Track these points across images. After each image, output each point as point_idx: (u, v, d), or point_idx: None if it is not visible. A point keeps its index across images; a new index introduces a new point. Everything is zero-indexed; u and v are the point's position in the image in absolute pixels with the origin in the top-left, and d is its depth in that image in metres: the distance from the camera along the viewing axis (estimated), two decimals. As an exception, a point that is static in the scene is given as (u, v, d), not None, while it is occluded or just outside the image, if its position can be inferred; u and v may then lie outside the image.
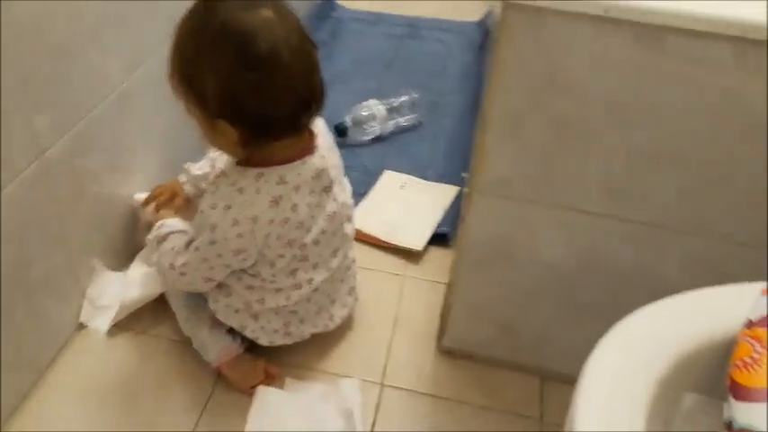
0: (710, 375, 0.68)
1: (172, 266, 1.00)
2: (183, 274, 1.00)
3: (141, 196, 1.23)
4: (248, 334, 1.07)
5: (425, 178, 1.55)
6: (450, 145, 1.67)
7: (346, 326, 1.21)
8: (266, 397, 1.07)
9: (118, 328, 1.18)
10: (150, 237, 1.08)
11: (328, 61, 1.90)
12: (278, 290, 1.03)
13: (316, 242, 1.01)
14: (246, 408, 1.06)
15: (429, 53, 2.04)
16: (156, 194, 1.20)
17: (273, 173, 0.92)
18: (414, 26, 2.17)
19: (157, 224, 1.09)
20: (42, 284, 1.05)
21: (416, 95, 1.72)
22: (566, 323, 1.08)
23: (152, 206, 1.19)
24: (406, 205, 1.47)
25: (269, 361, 1.12)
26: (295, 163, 0.94)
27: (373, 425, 1.07)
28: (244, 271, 1.01)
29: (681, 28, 0.76)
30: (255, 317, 1.06)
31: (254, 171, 0.93)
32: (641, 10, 0.76)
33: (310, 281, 1.04)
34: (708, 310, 0.72)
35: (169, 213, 1.15)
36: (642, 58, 0.80)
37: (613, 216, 0.94)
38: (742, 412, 0.57)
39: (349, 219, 1.08)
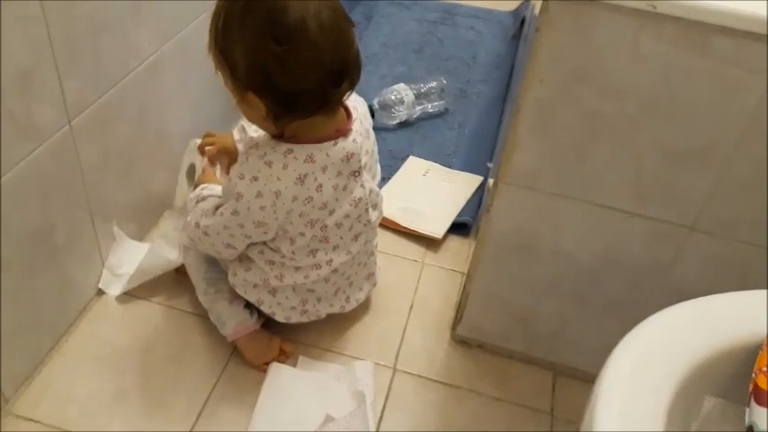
0: (732, 380, 0.67)
1: (197, 225, 1.01)
2: (205, 234, 1.00)
3: (197, 141, 1.23)
4: (265, 309, 1.08)
5: (449, 166, 1.55)
6: (475, 134, 1.65)
7: (362, 309, 1.21)
8: (279, 374, 1.08)
9: (137, 297, 1.19)
10: (191, 196, 1.09)
11: (359, 43, 1.89)
12: (297, 268, 1.03)
13: (338, 225, 1.00)
14: (259, 384, 1.07)
15: (461, 40, 2.03)
16: (208, 142, 1.20)
17: (303, 150, 0.92)
18: (449, 12, 2.15)
19: (200, 186, 1.10)
20: (64, 250, 1.06)
21: (445, 82, 1.70)
22: (582, 319, 1.07)
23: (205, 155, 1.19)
24: (428, 192, 1.46)
25: (284, 339, 1.13)
26: (326, 143, 0.93)
27: (383, 408, 1.07)
28: (265, 245, 1.01)
29: (725, 26, 0.75)
30: (273, 292, 1.06)
31: (284, 146, 0.92)
32: (686, 6, 0.74)
33: (330, 262, 1.04)
34: (731, 315, 0.71)
35: (213, 178, 1.15)
36: (682, 55, 0.79)
37: (639, 214, 0.93)
38: (764, 418, 0.56)
39: (374, 206, 1.07)
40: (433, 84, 1.69)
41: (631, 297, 1.01)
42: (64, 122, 0.98)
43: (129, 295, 1.19)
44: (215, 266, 1.12)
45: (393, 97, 1.63)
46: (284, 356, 1.11)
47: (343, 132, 0.95)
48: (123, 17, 1.05)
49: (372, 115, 1.60)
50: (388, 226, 1.38)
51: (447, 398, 1.10)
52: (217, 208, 0.99)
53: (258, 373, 1.09)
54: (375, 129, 1.56)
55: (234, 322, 1.08)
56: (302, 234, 0.98)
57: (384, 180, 1.46)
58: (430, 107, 1.68)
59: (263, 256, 1.03)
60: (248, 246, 1.03)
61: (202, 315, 1.15)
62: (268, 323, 1.12)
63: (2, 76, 0.84)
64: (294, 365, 1.11)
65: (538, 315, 1.10)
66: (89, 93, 1.02)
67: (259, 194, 0.92)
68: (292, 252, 1.01)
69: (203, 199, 1.05)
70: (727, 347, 0.67)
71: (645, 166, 0.89)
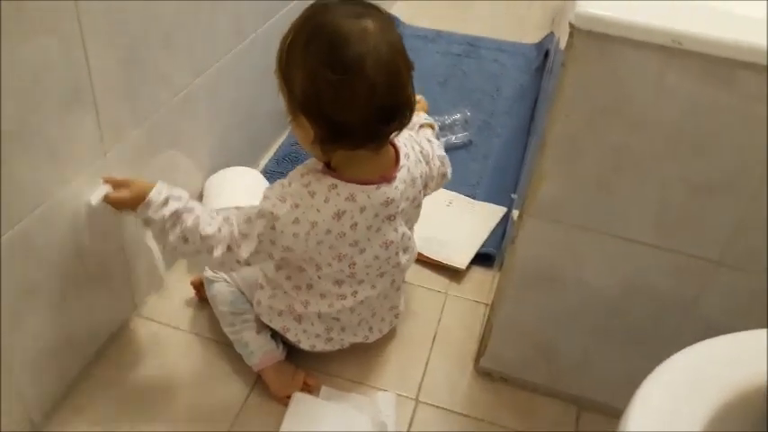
0: (760, 417, 0.66)
1: (227, 248, 0.96)
2: (229, 250, 0.96)
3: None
4: (290, 337, 1.08)
5: (473, 197, 1.55)
6: (498, 165, 1.66)
7: (385, 339, 1.21)
8: (301, 403, 1.08)
9: (163, 324, 1.21)
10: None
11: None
12: (323, 295, 1.04)
13: (367, 265, 1.01)
14: (281, 414, 1.07)
15: (485, 73, 2.04)
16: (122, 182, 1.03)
17: (346, 188, 0.93)
18: (473, 45, 2.18)
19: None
20: (95, 277, 1.08)
21: (469, 114, 1.72)
22: (606, 352, 1.06)
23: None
24: (452, 223, 1.47)
25: (308, 372, 1.13)
26: (369, 186, 0.94)
27: (406, 440, 1.07)
28: (292, 269, 1.02)
29: (752, 62, 0.75)
30: (299, 319, 1.07)
31: (329, 180, 0.94)
32: (712, 42, 0.75)
33: (355, 294, 1.05)
34: (761, 352, 0.70)
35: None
36: (708, 90, 0.79)
37: (664, 248, 0.93)
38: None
39: (405, 249, 1.06)
40: (458, 116, 1.70)
41: (656, 331, 1.01)
42: (99, 153, 1.00)
43: (155, 322, 1.21)
44: (241, 298, 1.13)
45: (417, 129, 1.64)
46: (308, 389, 1.11)
47: (388, 179, 0.96)
48: (158, 50, 1.08)
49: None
50: (412, 256, 1.38)
51: (469, 430, 1.09)
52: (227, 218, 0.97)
53: (277, 405, 1.09)
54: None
55: (261, 352, 1.09)
56: (329, 265, 0.99)
57: (408, 211, 1.47)
58: (454, 138, 1.69)
59: (290, 282, 1.04)
60: (277, 270, 1.04)
61: (226, 343, 1.15)
62: (291, 354, 1.12)
63: (41, 105, 0.86)
64: (317, 395, 1.11)
65: (562, 348, 1.09)
66: (124, 125, 1.05)
67: (296, 221, 0.93)
68: (318, 277, 1.02)
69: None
70: (756, 385, 0.67)
71: (670, 200, 0.89)
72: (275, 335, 1.11)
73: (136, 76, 1.04)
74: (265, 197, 0.95)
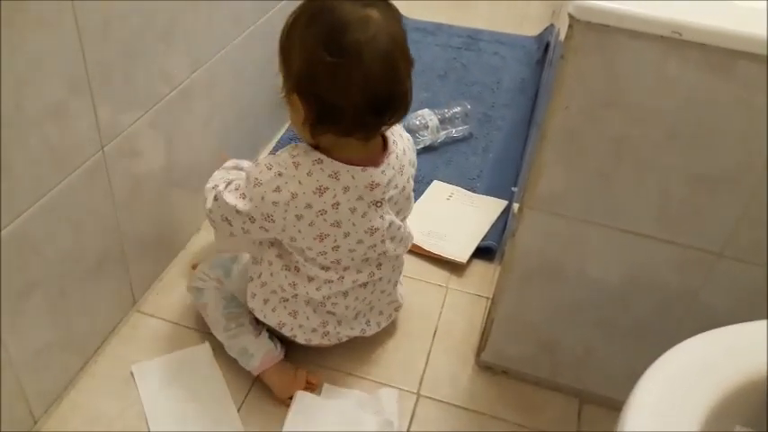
0: (763, 409, 0.65)
1: (215, 188, 1.01)
2: (216, 199, 1.01)
3: None
4: (286, 332, 1.08)
5: (473, 190, 1.55)
6: (499, 159, 1.66)
7: (386, 334, 1.21)
8: (304, 402, 1.07)
9: (164, 320, 1.21)
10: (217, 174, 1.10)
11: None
12: (310, 278, 1.03)
13: (351, 249, 1.00)
14: (278, 417, 1.06)
15: (485, 66, 2.04)
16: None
17: (331, 165, 0.93)
18: (473, 38, 2.17)
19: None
20: (94, 273, 1.08)
21: (469, 107, 1.71)
22: (608, 345, 1.06)
23: None
24: (452, 216, 1.47)
25: (309, 370, 1.13)
26: (355, 167, 0.94)
27: (407, 434, 1.07)
28: (282, 247, 1.02)
29: (751, 53, 0.74)
30: (294, 314, 1.06)
31: (316, 155, 0.94)
32: (711, 32, 0.74)
33: (341, 279, 1.03)
34: (762, 343, 0.70)
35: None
36: (708, 81, 0.79)
37: (666, 240, 0.93)
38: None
39: (393, 239, 1.05)
40: (458, 109, 1.70)
41: (658, 323, 1.00)
42: (97, 148, 1.00)
43: (156, 318, 1.21)
44: (234, 301, 1.12)
45: (417, 122, 1.64)
46: (311, 388, 1.11)
47: (374, 162, 0.96)
48: (156, 44, 1.08)
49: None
50: (413, 250, 1.38)
51: (471, 425, 1.09)
52: (230, 182, 1.01)
53: (278, 406, 1.08)
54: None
55: (261, 354, 1.08)
56: (310, 248, 0.99)
57: (408, 204, 1.47)
58: (454, 132, 1.69)
59: (280, 260, 1.03)
60: (269, 247, 1.04)
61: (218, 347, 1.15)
62: (291, 351, 1.12)
63: (39, 101, 0.86)
64: (318, 393, 1.11)
65: (563, 341, 1.09)
66: (122, 119, 1.04)
67: (277, 189, 0.94)
68: (304, 260, 1.01)
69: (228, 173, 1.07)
70: (757, 376, 0.66)
71: (671, 192, 0.88)
72: (272, 335, 1.11)
73: (134, 70, 1.04)
74: (256, 164, 0.97)
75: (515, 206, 1.01)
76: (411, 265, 1.35)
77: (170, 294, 1.25)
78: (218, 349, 1.14)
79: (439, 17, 2.25)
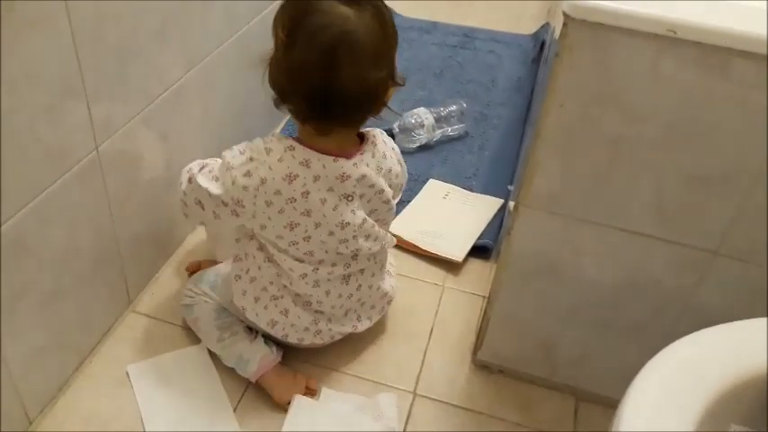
0: (758, 408, 0.66)
1: (189, 171, 1.03)
2: (189, 181, 1.02)
3: None
4: (278, 332, 1.07)
5: (469, 189, 1.55)
6: (495, 157, 1.66)
7: (382, 333, 1.21)
8: (302, 406, 1.07)
9: (160, 320, 1.20)
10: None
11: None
12: (290, 269, 1.02)
13: (323, 242, 1.00)
14: (274, 418, 1.06)
15: (481, 64, 2.04)
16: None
17: (302, 153, 0.95)
18: (468, 36, 2.17)
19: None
20: (90, 273, 1.07)
21: (465, 105, 1.71)
22: (604, 344, 1.06)
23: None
24: (448, 215, 1.46)
25: (305, 366, 1.12)
26: (326, 156, 0.95)
27: (404, 433, 1.07)
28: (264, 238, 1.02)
29: (747, 51, 0.74)
30: (285, 312, 1.06)
31: (288, 142, 0.95)
32: (707, 30, 0.74)
33: (316, 270, 1.03)
34: (758, 341, 0.70)
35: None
36: (704, 79, 0.79)
37: (661, 238, 0.93)
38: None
39: (367, 237, 1.03)
40: (454, 107, 1.70)
41: (654, 322, 1.00)
42: (91, 148, 0.99)
43: (152, 318, 1.20)
44: (224, 312, 1.12)
45: (413, 121, 1.64)
46: (310, 393, 1.10)
47: (346, 155, 0.97)
48: (149, 43, 1.07)
49: (392, 138, 1.61)
50: (409, 249, 1.38)
51: (468, 424, 1.09)
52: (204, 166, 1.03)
53: (274, 406, 1.08)
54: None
55: (258, 358, 1.07)
56: (281, 237, 0.99)
57: (404, 203, 1.47)
58: (450, 130, 1.69)
59: (262, 253, 1.03)
60: (249, 239, 1.04)
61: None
62: (287, 354, 1.12)
63: (33, 100, 0.86)
64: (317, 396, 1.10)
65: (560, 340, 1.09)
66: (116, 118, 1.04)
67: (248, 174, 0.95)
68: (278, 252, 1.01)
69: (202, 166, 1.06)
70: (753, 375, 0.66)
71: (667, 191, 0.88)
72: (267, 339, 1.10)
73: (128, 69, 1.03)
74: (230, 149, 0.98)
75: (511, 205, 1.00)
76: (407, 264, 1.35)
77: (165, 294, 1.25)
78: (214, 349, 1.14)
79: (435, 15, 2.25)
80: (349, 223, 0.99)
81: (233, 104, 1.43)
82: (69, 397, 1.07)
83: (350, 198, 0.98)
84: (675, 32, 0.75)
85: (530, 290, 1.05)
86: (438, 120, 1.66)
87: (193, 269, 1.23)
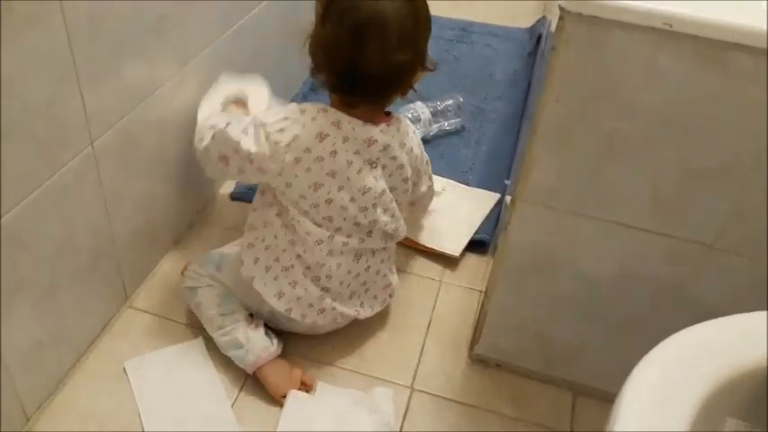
0: (754, 401, 0.66)
1: (212, 127, 1.05)
2: (213, 138, 1.04)
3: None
4: (283, 305, 1.07)
5: (466, 183, 1.55)
6: (492, 151, 1.65)
7: (380, 327, 1.21)
8: (298, 401, 1.07)
9: (157, 315, 1.20)
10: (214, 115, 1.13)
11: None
12: (306, 235, 1.04)
13: (343, 207, 1.03)
14: (272, 412, 1.06)
15: (477, 58, 2.03)
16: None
17: (335, 115, 1.00)
18: (465, 30, 2.16)
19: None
20: (86, 269, 1.07)
21: (462, 100, 1.71)
22: (601, 338, 1.06)
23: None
24: (445, 210, 1.46)
25: (301, 359, 1.13)
26: (356, 120, 1.00)
27: (401, 429, 1.07)
28: (282, 208, 1.04)
29: (742, 44, 0.74)
30: (293, 284, 1.06)
31: (322, 105, 1.01)
32: (703, 24, 0.74)
33: (331, 237, 1.05)
34: (754, 335, 0.70)
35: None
36: (700, 73, 0.78)
37: (658, 232, 0.93)
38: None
39: (385, 210, 1.07)
40: (450, 101, 1.69)
41: (651, 316, 1.00)
42: (87, 143, 0.99)
43: (149, 314, 1.20)
44: (228, 298, 1.12)
45: (410, 115, 1.63)
46: (306, 389, 1.10)
47: (374, 121, 1.02)
48: (146, 38, 1.07)
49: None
50: (406, 244, 1.38)
51: (465, 418, 1.09)
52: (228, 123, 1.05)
53: (272, 401, 1.08)
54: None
55: (257, 349, 1.07)
56: (303, 196, 1.02)
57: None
58: (446, 125, 1.69)
59: (280, 218, 1.05)
60: (269, 207, 1.06)
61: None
62: (285, 346, 1.12)
63: (27, 96, 0.85)
64: (313, 391, 1.10)
65: (556, 334, 1.09)
66: (111, 113, 1.04)
67: (281, 130, 0.99)
68: (299, 214, 1.03)
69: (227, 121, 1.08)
70: (749, 369, 0.66)
71: (663, 185, 0.88)
72: (268, 331, 1.10)
73: (122, 64, 1.03)
74: (264, 111, 1.06)
75: (508, 199, 1.00)
76: (404, 258, 1.35)
77: (162, 290, 1.25)
78: (212, 344, 1.14)
79: (432, 10, 2.23)
80: (370, 189, 1.04)
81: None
82: (67, 393, 1.07)
83: (374, 165, 1.03)
84: (671, 26, 0.75)
85: (526, 284, 1.05)
86: (435, 114, 1.66)
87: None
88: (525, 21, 2.21)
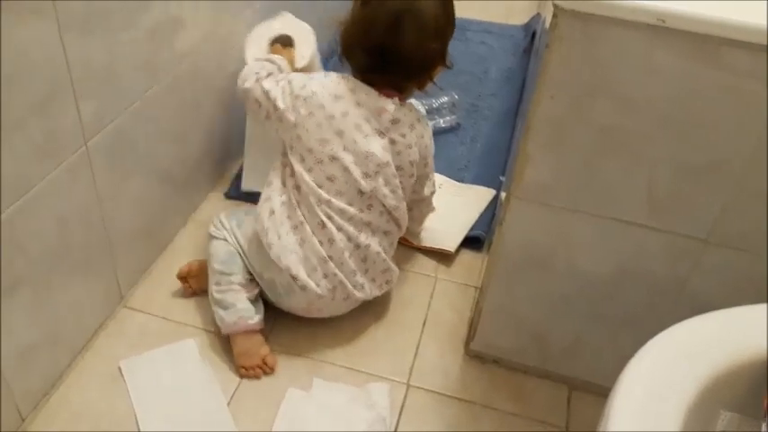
0: (748, 394, 0.66)
1: (257, 74, 1.17)
2: (257, 73, 1.17)
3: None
4: (292, 263, 1.08)
5: (461, 180, 1.55)
6: (487, 148, 1.66)
7: (375, 324, 1.21)
8: (294, 399, 1.07)
9: (152, 315, 1.20)
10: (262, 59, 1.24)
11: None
12: (310, 191, 1.08)
13: (345, 168, 1.07)
14: (267, 411, 1.06)
15: (472, 55, 2.03)
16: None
17: (353, 81, 1.10)
18: (460, 27, 2.13)
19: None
20: (81, 268, 1.07)
21: (457, 97, 1.71)
22: (597, 334, 1.06)
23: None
24: (440, 206, 1.45)
25: (297, 357, 1.13)
26: (372, 90, 1.09)
27: (397, 425, 1.07)
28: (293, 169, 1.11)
29: (736, 40, 0.74)
30: (302, 242, 1.09)
31: (344, 73, 1.12)
32: (696, 19, 0.74)
33: (330, 202, 1.08)
34: (748, 328, 0.70)
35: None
36: (694, 69, 0.79)
37: (653, 228, 0.93)
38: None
39: (387, 183, 1.10)
40: (445, 99, 1.69)
41: (647, 311, 1.01)
42: (80, 143, 0.99)
43: (144, 313, 1.20)
44: (234, 259, 1.14)
45: (405, 113, 1.63)
46: (265, 367, 1.11)
47: (388, 95, 1.10)
48: (138, 37, 1.06)
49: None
50: (401, 241, 1.38)
51: (462, 414, 1.10)
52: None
53: (268, 400, 1.08)
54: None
55: (238, 316, 1.10)
56: (310, 150, 1.08)
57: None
58: (442, 122, 1.69)
59: (293, 179, 1.11)
60: (283, 167, 1.13)
61: (215, 333, 1.15)
62: (281, 338, 1.12)
63: (21, 97, 0.85)
64: (309, 387, 1.10)
65: (552, 329, 1.09)
66: (105, 113, 1.03)
67: (303, 86, 1.11)
68: (303, 170, 1.09)
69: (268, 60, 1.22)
70: (743, 361, 0.67)
71: (658, 180, 0.89)
72: (259, 303, 1.13)
73: (116, 64, 1.03)
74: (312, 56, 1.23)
75: (503, 196, 1.01)
76: (399, 255, 1.34)
77: (157, 289, 1.25)
78: (207, 344, 1.14)
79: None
80: (374, 154, 1.09)
81: (224, 98, 1.42)
82: (62, 393, 1.06)
83: (382, 135, 1.10)
84: (665, 22, 0.75)
85: (522, 280, 1.05)
86: (430, 111, 1.66)
87: (184, 275, 1.22)
88: (520, 18, 2.21)
